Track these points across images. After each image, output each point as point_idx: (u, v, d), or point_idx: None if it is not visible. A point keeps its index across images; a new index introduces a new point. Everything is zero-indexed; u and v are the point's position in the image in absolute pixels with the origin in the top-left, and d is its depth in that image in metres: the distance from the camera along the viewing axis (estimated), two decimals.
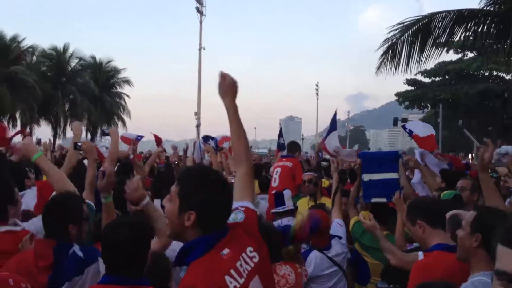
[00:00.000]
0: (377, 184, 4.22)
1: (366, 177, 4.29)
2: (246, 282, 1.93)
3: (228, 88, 2.42)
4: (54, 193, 3.47)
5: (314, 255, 4.15)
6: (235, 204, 2.16)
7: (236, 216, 2.13)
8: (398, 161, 4.32)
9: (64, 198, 3.08)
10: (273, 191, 5.78)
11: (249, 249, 2.02)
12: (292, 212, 5.02)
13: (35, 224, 3.34)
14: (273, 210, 5.19)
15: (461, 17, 10.12)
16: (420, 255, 3.05)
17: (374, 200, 4.36)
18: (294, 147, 7.85)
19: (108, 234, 2.49)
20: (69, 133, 46.33)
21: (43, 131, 44.26)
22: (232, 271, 1.91)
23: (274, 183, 6.73)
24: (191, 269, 1.89)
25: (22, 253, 2.96)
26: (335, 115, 7.90)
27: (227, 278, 1.88)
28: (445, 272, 2.74)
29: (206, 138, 9.51)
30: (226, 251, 1.94)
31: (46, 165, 3.63)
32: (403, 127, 6.87)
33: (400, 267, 3.28)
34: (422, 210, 3.16)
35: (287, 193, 5.20)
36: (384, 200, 4.30)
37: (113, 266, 2.45)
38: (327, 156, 8.26)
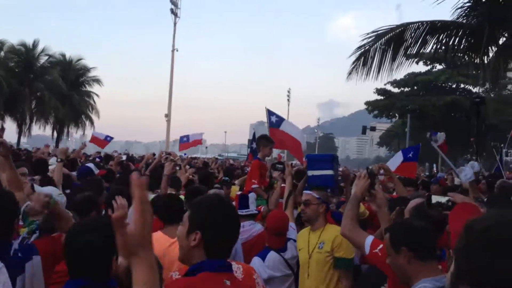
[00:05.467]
0: (317, 178, 5.07)
1: (310, 172, 5.18)
2: None
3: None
4: None
5: (273, 256, 4.20)
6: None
7: None
8: (333, 161, 5.17)
9: (10, 193, 2.97)
10: (239, 193, 5.75)
11: None
12: (253, 216, 5.05)
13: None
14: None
15: (434, 28, 10.26)
16: (369, 239, 3.14)
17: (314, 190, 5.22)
18: (258, 143, 6.76)
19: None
20: (34, 131, 45.23)
21: (8, 128, 43.14)
22: None
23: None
24: (200, 276, 2.04)
25: None
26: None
27: None
28: None
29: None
30: (228, 282, 2.07)
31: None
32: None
33: (345, 237, 3.41)
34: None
35: (252, 196, 5.26)
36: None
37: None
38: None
